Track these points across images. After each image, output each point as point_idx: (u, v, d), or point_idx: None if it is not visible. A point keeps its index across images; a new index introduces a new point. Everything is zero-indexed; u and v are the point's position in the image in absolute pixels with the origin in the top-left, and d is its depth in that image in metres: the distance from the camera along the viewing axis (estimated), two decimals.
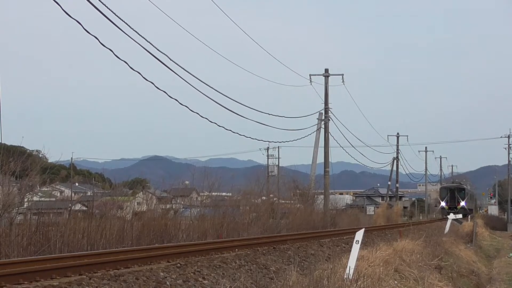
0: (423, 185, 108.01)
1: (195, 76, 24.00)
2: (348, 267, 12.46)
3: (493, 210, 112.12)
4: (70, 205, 29.00)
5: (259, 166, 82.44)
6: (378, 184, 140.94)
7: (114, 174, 40.61)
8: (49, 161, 36.56)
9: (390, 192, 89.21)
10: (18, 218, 22.77)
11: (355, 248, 12.74)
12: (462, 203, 76.52)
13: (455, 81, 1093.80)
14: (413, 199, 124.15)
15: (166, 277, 13.44)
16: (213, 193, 38.96)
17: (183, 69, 22.58)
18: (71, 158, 78.30)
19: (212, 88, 25.90)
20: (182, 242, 22.91)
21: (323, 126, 47.23)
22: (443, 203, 78.10)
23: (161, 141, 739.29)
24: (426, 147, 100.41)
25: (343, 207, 72.63)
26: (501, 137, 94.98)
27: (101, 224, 21.24)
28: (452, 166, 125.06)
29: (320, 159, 50.20)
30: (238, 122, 31.47)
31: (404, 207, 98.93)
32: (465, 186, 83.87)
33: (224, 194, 43.73)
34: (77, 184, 65.95)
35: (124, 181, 35.34)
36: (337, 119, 56.03)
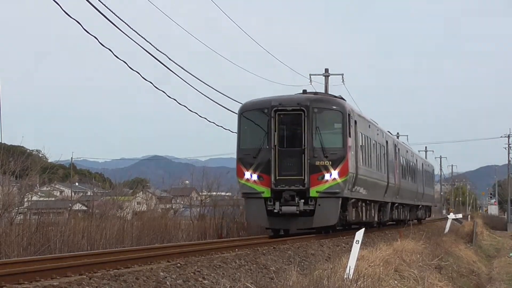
0: None
1: (195, 75, 24.03)
2: (348, 267, 12.48)
3: (493, 210, 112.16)
4: (70, 205, 29.02)
5: None
6: None
7: (114, 173, 40.66)
8: (49, 161, 36.61)
9: None
10: (18, 218, 22.79)
11: (355, 248, 12.76)
12: (332, 174, 22.84)
13: (455, 81, 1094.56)
14: None
15: (166, 277, 13.43)
16: (213, 193, 38.94)
17: (183, 68, 22.60)
18: (71, 158, 78.33)
19: (212, 88, 25.91)
20: (182, 242, 22.93)
21: None
22: (247, 173, 23.24)
23: (161, 141, 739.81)
24: (426, 147, 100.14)
25: None
26: (501, 137, 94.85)
27: (101, 224, 21.26)
28: (452, 166, 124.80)
29: None
30: None
31: None
32: (348, 106, 25.41)
33: (224, 193, 43.73)
34: (77, 183, 65.97)
35: (124, 181, 35.46)
36: None
